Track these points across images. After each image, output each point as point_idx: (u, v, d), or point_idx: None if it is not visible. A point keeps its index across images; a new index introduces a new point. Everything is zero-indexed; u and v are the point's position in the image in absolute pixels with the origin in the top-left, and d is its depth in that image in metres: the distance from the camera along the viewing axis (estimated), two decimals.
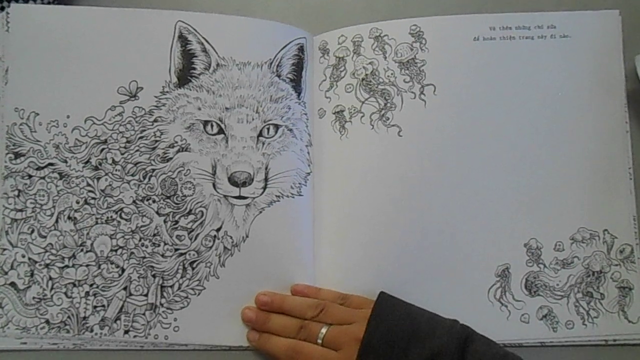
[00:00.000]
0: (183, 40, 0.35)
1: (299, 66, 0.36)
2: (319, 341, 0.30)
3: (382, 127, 0.34)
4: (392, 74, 0.35)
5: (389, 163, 0.34)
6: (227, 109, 0.34)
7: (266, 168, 0.34)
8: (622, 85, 0.35)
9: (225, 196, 0.34)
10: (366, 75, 0.35)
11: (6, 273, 0.33)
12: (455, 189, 0.34)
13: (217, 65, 0.35)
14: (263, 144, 0.34)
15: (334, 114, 0.35)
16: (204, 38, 0.35)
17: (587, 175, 0.34)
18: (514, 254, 0.34)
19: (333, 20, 0.37)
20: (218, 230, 0.34)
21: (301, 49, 0.36)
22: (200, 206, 0.34)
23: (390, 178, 0.34)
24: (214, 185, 0.34)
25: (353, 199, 0.34)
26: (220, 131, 0.34)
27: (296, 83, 0.36)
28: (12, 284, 0.33)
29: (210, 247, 0.34)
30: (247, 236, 0.34)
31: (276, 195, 0.34)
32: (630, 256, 0.34)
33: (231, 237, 0.34)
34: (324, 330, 0.30)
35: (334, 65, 0.36)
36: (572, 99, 0.35)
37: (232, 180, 0.34)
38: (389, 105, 0.34)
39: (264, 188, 0.34)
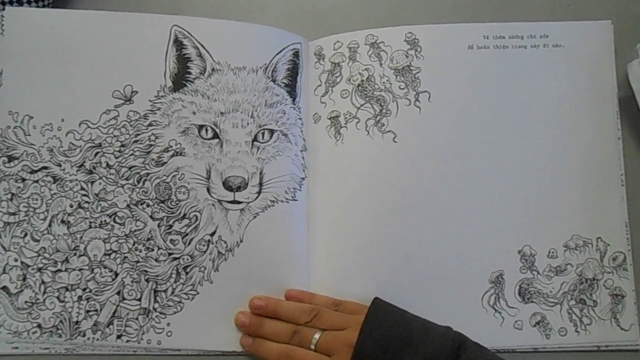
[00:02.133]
0: (178, 44, 0.35)
1: (294, 71, 0.36)
2: (312, 347, 0.30)
3: (378, 133, 0.34)
4: (387, 80, 0.35)
5: (383, 169, 0.34)
6: (222, 113, 0.34)
7: (261, 173, 0.34)
8: (614, 93, 0.36)
9: (219, 201, 0.33)
10: (362, 81, 0.35)
11: None
12: (449, 195, 0.34)
13: (213, 69, 0.35)
14: (258, 148, 0.34)
15: (329, 119, 0.35)
16: (199, 42, 0.35)
17: (581, 182, 0.34)
18: (508, 261, 0.33)
19: (328, 26, 0.37)
20: (212, 234, 0.33)
21: (296, 54, 0.36)
22: (195, 211, 0.33)
23: (385, 183, 0.34)
24: (208, 190, 0.33)
25: (348, 204, 0.34)
26: (215, 136, 0.34)
27: (291, 88, 0.36)
28: (4, 288, 0.32)
29: (204, 252, 0.33)
30: (241, 241, 0.33)
31: (271, 200, 0.34)
32: (623, 264, 0.33)
33: (225, 242, 0.33)
34: (317, 336, 0.30)
35: (329, 70, 0.35)
36: (565, 107, 0.35)
37: (227, 185, 0.33)
38: (384, 111, 0.34)
39: (259, 193, 0.34)
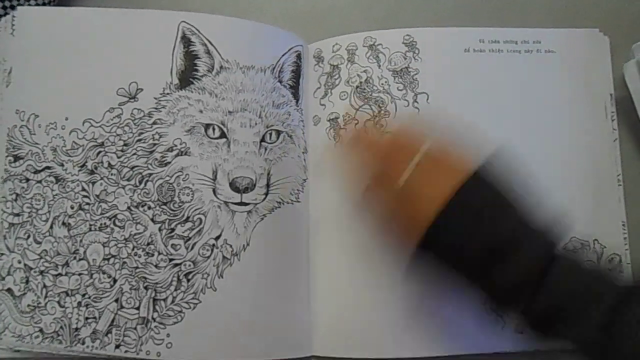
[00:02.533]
0: (186, 41, 0.33)
1: (297, 73, 0.35)
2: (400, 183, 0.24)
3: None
4: (386, 81, 0.34)
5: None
6: (229, 112, 0.32)
7: (268, 174, 0.32)
8: (606, 98, 0.35)
9: (225, 202, 0.31)
10: (360, 82, 0.34)
11: (3, 279, 0.31)
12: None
13: (221, 67, 0.33)
14: (265, 149, 0.32)
15: (328, 120, 0.34)
16: (207, 40, 0.33)
17: (578, 184, 0.33)
18: None
19: (327, 29, 0.36)
20: (217, 238, 0.31)
21: (299, 56, 0.35)
22: (199, 213, 0.31)
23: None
24: (214, 191, 0.31)
25: (348, 204, 0.33)
26: (222, 135, 0.32)
27: (295, 90, 0.34)
28: (9, 290, 0.31)
29: (208, 257, 0.31)
30: (247, 244, 0.31)
31: (277, 202, 0.32)
32: (619, 266, 0.33)
33: (231, 246, 0.31)
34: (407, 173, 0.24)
35: (328, 73, 0.35)
36: (561, 110, 0.35)
37: (234, 186, 0.31)
38: (382, 112, 0.34)
39: (266, 194, 0.32)
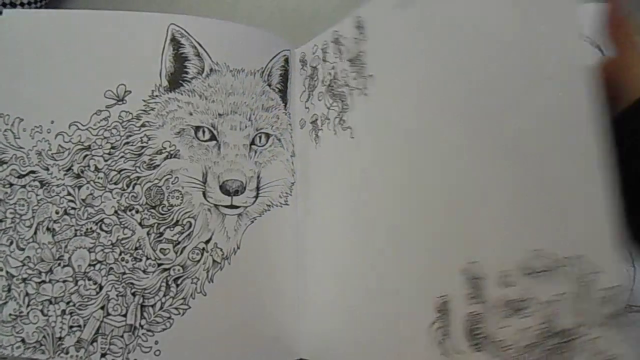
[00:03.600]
0: (175, 43, 0.32)
1: (285, 77, 0.34)
2: None
3: (340, 130, 0.30)
4: (346, 74, 0.29)
5: (346, 168, 0.29)
6: (220, 115, 0.31)
7: (258, 177, 0.31)
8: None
9: (216, 205, 0.30)
10: (330, 80, 0.32)
11: None
12: (401, 189, 0.25)
13: (211, 70, 0.31)
14: (255, 152, 0.31)
15: (310, 123, 0.33)
16: (197, 42, 0.32)
17: (559, 174, 0.19)
18: (452, 283, 0.21)
19: (312, 34, 0.35)
20: (207, 242, 0.30)
21: (287, 60, 0.34)
22: (189, 217, 0.30)
23: (348, 184, 0.29)
24: (204, 194, 0.30)
25: (327, 207, 0.31)
26: (213, 137, 0.31)
27: (283, 93, 0.33)
28: None
29: (198, 261, 0.29)
30: (238, 247, 0.30)
31: (267, 205, 0.31)
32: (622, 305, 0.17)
33: (221, 249, 0.30)
34: None
35: (310, 75, 0.33)
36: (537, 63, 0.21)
37: (224, 189, 0.30)
38: (344, 107, 0.30)
39: (256, 197, 0.31)
